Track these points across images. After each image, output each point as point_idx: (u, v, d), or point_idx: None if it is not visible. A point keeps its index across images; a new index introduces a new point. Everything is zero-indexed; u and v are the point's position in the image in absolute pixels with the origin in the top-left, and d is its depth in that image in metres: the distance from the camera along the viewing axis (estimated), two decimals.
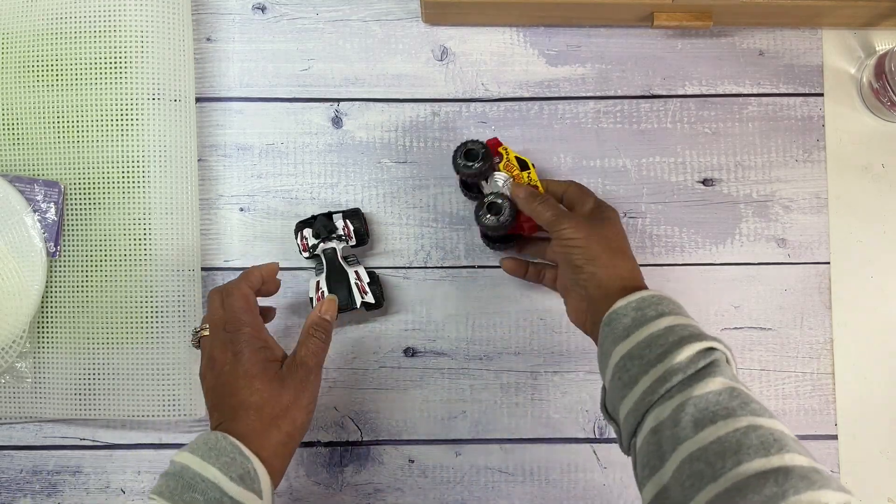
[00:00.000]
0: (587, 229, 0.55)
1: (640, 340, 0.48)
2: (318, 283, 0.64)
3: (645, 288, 0.53)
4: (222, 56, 0.69)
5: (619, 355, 0.49)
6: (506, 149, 0.62)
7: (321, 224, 0.64)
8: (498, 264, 0.67)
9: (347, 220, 0.65)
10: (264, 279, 0.58)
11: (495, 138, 0.63)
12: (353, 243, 0.65)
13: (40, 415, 0.65)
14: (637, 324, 0.49)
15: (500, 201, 0.60)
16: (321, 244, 0.64)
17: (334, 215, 0.65)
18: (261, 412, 0.50)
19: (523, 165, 0.62)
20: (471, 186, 0.66)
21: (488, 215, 0.60)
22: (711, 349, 0.47)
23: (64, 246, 0.65)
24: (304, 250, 0.65)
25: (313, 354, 0.54)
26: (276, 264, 0.60)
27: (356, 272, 0.64)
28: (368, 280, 0.64)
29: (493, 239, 0.66)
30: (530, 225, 0.62)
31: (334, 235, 0.64)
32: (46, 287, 0.64)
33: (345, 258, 0.65)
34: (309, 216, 0.66)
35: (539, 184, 0.61)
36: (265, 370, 0.52)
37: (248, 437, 0.49)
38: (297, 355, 0.54)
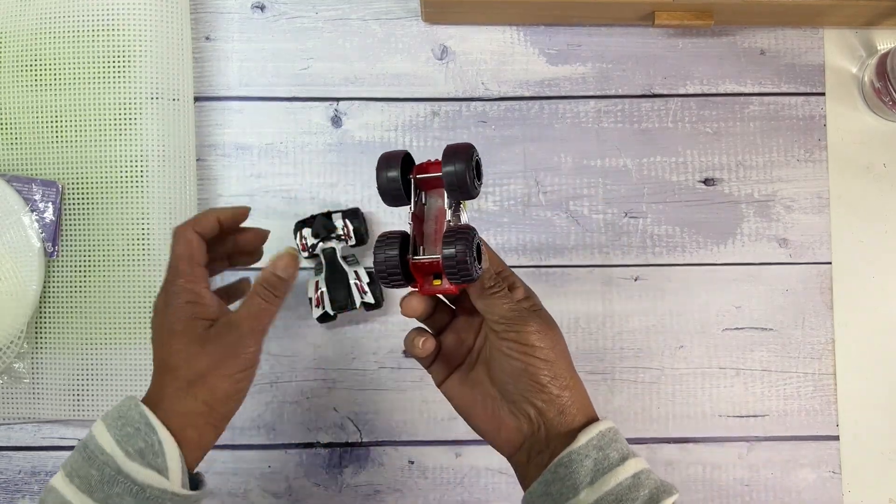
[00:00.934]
0: (553, 336, 0.44)
1: (607, 491, 0.41)
2: (317, 282, 0.63)
3: (595, 416, 0.45)
4: (221, 55, 0.69)
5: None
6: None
7: (320, 224, 0.64)
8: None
9: (347, 220, 0.64)
10: (224, 225, 0.50)
11: (425, 162, 0.46)
12: (353, 243, 0.65)
13: (38, 416, 0.65)
14: (601, 469, 0.42)
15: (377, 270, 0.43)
16: (320, 244, 0.64)
17: (333, 215, 0.65)
18: (175, 375, 0.45)
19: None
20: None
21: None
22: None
23: (62, 246, 0.65)
24: (304, 250, 0.64)
25: (251, 317, 0.46)
26: (245, 208, 0.52)
27: (356, 272, 0.64)
28: (368, 280, 0.64)
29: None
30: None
31: (333, 235, 0.64)
32: (44, 287, 0.64)
33: (344, 258, 0.65)
34: (308, 216, 0.66)
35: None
36: (188, 328, 0.46)
37: (159, 403, 0.44)
38: (233, 315, 0.47)
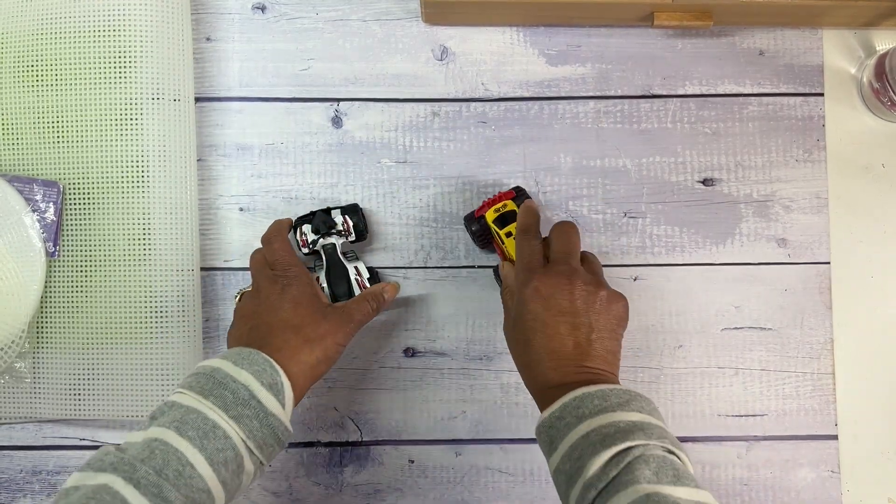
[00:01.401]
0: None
1: (564, 454, 0.47)
2: (317, 278, 0.64)
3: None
4: (222, 56, 0.69)
5: (552, 468, 0.49)
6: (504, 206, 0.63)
7: (320, 220, 0.64)
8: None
9: (346, 216, 0.65)
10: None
11: (511, 191, 0.65)
12: (353, 239, 0.65)
13: (40, 415, 0.65)
14: (560, 434, 0.48)
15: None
16: (320, 240, 0.64)
17: (333, 211, 0.65)
18: (298, 332, 0.54)
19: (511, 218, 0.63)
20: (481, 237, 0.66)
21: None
22: (627, 450, 0.44)
23: (63, 246, 0.65)
24: (304, 246, 0.65)
25: (360, 311, 0.58)
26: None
27: (356, 268, 0.64)
28: (368, 276, 0.64)
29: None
30: None
31: (333, 231, 0.64)
32: (45, 287, 0.64)
33: (344, 254, 0.65)
34: (307, 213, 0.66)
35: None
36: (312, 301, 0.56)
37: (280, 352, 0.52)
38: (346, 306, 0.58)
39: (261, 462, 0.50)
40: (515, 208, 0.62)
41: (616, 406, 0.47)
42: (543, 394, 0.51)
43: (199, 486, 0.45)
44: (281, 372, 0.51)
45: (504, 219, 0.62)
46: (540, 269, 0.55)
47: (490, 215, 0.63)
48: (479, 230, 0.64)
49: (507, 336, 0.57)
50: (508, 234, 0.61)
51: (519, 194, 0.64)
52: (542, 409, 0.51)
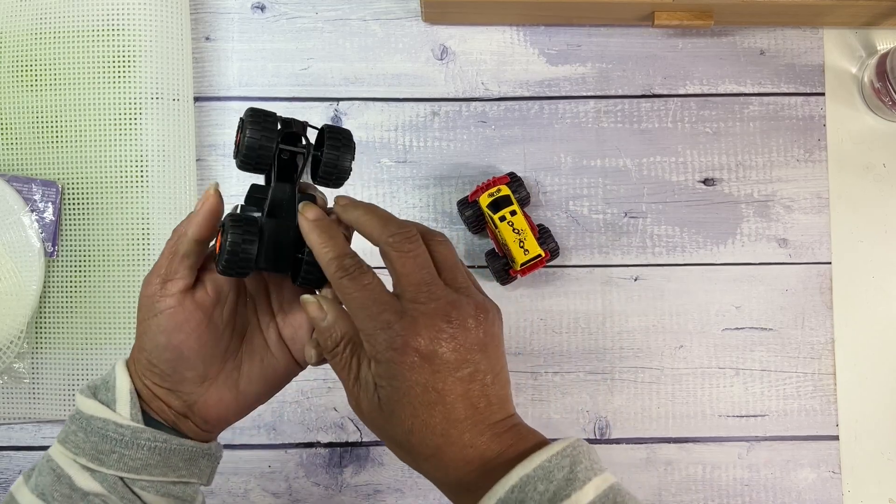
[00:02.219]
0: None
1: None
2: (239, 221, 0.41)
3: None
4: (221, 55, 0.69)
5: None
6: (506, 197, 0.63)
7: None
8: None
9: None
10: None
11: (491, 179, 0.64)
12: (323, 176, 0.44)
13: (38, 415, 0.65)
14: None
15: None
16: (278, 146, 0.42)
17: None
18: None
19: (505, 202, 0.63)
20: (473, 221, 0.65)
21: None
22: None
23: (61, 246, 0.65)
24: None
25: (162, 256, 0.41)
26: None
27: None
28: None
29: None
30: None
31: (301, 146, 0.42)
32: (44, 287, 0.64)
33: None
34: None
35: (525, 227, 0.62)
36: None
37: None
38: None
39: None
40: (510, 193, 0.62)
41: (565, 485, 0.34)
42: (458, 491, 0.37)
43: None
44: (118, 364, 0.42)
45: (497, 204, 0.62)
46: (395, 314, 0.36)
47: (484, 200, 0.63)
48: (472, 215, 0.64)
49: (371, 419, 0.38)
50: (502, 219, 0.61)
51: (513, 180, 0.64)
52: None
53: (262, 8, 0.69)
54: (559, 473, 0.34)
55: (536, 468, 0.34)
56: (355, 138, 0.68)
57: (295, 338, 0.43)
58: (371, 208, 0.41)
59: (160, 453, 0.40)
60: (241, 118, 0.40)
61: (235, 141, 0.41)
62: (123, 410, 0.40)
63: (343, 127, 0.42)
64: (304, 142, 0.41)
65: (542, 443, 0.37)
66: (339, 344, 0.39)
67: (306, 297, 0.40)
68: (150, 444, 0.40)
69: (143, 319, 0.40)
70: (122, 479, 0.40)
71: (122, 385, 0.41)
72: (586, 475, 0.35)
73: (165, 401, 0.41)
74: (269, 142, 0.39)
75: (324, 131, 0.41)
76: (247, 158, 0.39)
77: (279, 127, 0.40)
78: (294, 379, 0.45)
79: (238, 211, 0.41)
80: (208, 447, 0.43)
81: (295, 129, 0.41)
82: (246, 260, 0.39)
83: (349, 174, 0.42)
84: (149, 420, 0.41)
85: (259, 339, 0.43)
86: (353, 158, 0.42)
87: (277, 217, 0.40)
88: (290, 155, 0.41)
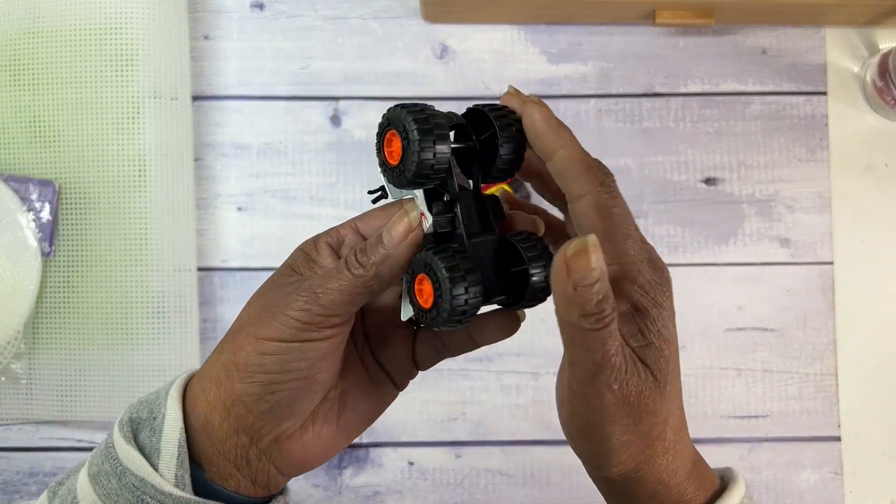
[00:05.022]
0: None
1: None
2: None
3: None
4: (220, 54, 0.68)
5: None
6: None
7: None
8: None
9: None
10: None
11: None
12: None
13: (36, 416, 0.64)
14: None
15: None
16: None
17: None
18: (236, 329, 0.33)
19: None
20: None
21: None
22: None
23: (59, 246, 0.65)
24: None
25: (325, 276, 0.31)
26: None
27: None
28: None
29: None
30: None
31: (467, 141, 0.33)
32: (41, 287, 0.64)
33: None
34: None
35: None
36: (281, 275, 0.33)
37: (201, 372, 0.33)
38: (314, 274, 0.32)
39: None
40: (509, 190, 0.62)
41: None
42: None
43: None
44: (172, 393, 0.32)
45: None
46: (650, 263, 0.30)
47: None
48: None
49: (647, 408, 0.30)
50: None
51: (514, 179, 0.64)
52: None
53: (261, 6, 0.69)
54: None
55: None
56: (354, 138, 0.68)
57: (393, 359, 0.36)
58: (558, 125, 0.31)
59: None
60: (386, 118, 0.32)
61: (385, 150, 0.32)
62: (167, 470, 0.31)
63: (492, 102, 0.33)
64: (472, 134, 0.33)
65: (721, 489, 0.33)
66: (606, 303, 0.27)
67: (579, 241, 0.27)
68: None
69: (272, 341, 0.31)
70: None
71: (171, 431, 0.31)
72: None
73: (239, 438, 0.32)
74: (446, 151, 0.30)
75: (476, 114, 0.32)
76: (421, 177, 0.30)
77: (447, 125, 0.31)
78: None
79: (432, 232, 0.31)
80: None
81: (457, 121, 0.32)
82: (474, 312, 0.30)
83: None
84: (200, 478, 0.32)
85: (357, 364, 0.36)
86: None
87: (472, 234, 0.31)
88: (465, 154, 0.33)
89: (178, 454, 0.31)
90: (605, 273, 0.27)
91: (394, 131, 0.31)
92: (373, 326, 0.36)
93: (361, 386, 0.36)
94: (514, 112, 0.32)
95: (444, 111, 0.32)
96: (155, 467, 0.31)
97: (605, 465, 0.30)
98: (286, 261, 0.34)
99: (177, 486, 0.31)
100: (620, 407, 0.29)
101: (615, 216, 0.31)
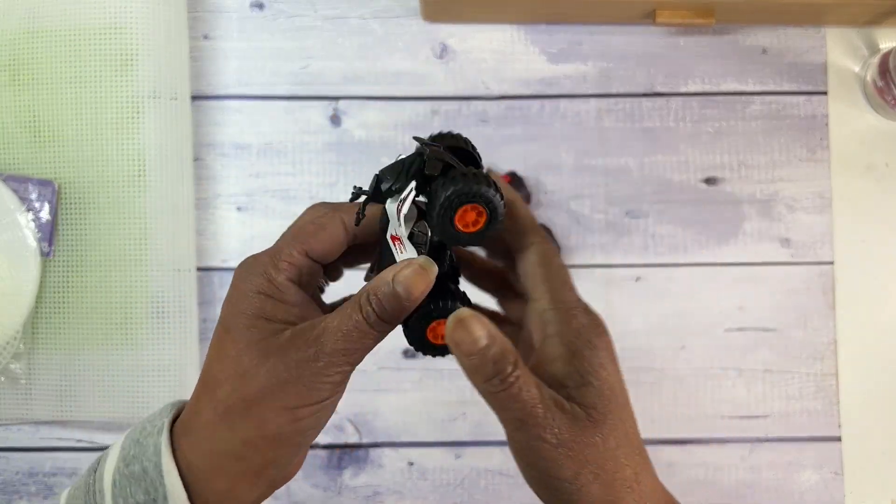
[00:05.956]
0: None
1: None
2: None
3: None
4: (220, 54, 0.68)
5: None
6: None
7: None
8: None
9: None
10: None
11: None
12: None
13: (35, 416, 0.64)
14: None
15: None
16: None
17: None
18: (215, 395, 0.31)
19: None
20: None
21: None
22: None
23: (58, 246, 0.65)
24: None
25: (341, 334, 0.31)
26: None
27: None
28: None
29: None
30: None
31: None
32: (40, 287, 0.64)
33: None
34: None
35: None
36: (250, 329, 0.31)
37: (187, 433, 0.31)
38: (317, 324, 0.31)
39: None
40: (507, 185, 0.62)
41: None
42: None
43: None
44: (168, 475, 0.30)
45: None
46: (598, 333, 0.33)
47: None
48: None
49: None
50: None
51: (514, 179, 0.64)
52: None
53: (261, 6, 0.69)
54: None
55: None
56: (354, 138, 0.68)
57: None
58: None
59: None
60: (457, 192, 0.30)
61: (458, 223, 0.31)
62: None
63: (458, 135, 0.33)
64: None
65: None
66: (504, 363, 0.30)
67: (462, 312, 0.31)
68: None
69: (308, 406, 0.30)
70: None
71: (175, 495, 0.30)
72: None
73: (264, 494, 0.33)
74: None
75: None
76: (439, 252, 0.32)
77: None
78: None
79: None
80: None
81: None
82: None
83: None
84: None
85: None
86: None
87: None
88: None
89: None
90: (494, 337, 0.29)
91: (475, 205, 0.30)
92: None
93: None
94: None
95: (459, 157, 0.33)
96: None
97: None
98: (240, 307, 0.32)
99: None
100: (560, 453, 0.29)
101: (555, 265, 0.33)
